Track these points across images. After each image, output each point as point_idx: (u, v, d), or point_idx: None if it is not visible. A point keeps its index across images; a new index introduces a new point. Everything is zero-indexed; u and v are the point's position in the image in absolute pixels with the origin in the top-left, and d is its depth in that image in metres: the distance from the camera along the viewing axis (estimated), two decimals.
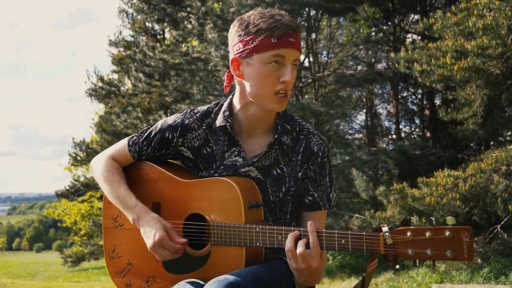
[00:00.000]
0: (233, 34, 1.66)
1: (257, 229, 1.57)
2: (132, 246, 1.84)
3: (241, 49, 1.62)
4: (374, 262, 1.48)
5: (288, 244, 1.49)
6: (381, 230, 1.42)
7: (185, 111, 1.84)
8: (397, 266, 8.05)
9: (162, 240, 1.62)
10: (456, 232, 1.36)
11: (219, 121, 1.75)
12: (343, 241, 1.46)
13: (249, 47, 1.60)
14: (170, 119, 1.82)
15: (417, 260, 1.42)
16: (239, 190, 1.61)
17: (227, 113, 1.74)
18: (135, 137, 1.86)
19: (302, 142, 1.74)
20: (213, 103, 1.85)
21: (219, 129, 1.76)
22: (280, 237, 1.54)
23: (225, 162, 1.74)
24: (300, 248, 1.46)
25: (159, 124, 1.83)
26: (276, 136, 1.71)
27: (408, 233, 1.39)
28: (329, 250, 1.49)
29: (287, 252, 1.49)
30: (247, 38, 1.60)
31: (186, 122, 1.78)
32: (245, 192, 1.63)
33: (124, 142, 1.87)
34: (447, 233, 1.36)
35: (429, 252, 1.37)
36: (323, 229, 1.50)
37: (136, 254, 1.83)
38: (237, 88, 1.74)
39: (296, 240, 1.49)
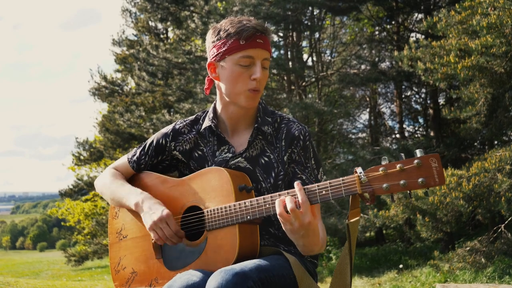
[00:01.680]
0: (209, 41, 1.82)
1: (246, 203, 1.63)
2: (136, 254, 1.87)
3: (215, 53, 1.77)
4: (356, 210, 1.54)
5: (278, 208, 1.53)
6: (356, 172, 1.49)
7: (176, 120, 2.02)
8: (401, 266, 8.04)
9: (169, 216, 1.69)
10: (424, 159, 1.41)
11: (205, 124, 1.88)
12: (323, 192, 1.52)
13: (221, 50, 1.75)
14: (164, 128, 1.98)
15: (393, 195, 1.49)
16: (228, 174, 1.68)
17: (212, 115, 1.88)
18: (133, 151, 1.99)
19: (283, 129, 1.84)
20: (200, 111, 1.99)
21: (207, 131, 1.88)
22: (267, 205, 1.60)
23: (216, 159, 1.83)
24: (290, 205, 1.51)
25: (154, 135, 1.97)
26: (256, 125, 1.82)
27: (381, 169, 1.45)
28: (313, 203, 1.54)
29: (279, 216, 1.53)
30: (219, 43, 1.76)
31: (177, 127, 1.93)
32: (235, 177, 1.70)
33: (124, 158, 2.01)
34: (416, 161, 1.41)
35: (402, 182, 1.42)
36: (304, 187, 1.55)
37: (139, 261, 1.86)
38: (217, 91, 1.87)
39: (284, 204, 1.54)
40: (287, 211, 1.52)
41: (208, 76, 1.88)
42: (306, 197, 1.53)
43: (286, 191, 1.59)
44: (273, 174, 1.79)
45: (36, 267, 23.90)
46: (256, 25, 1.73)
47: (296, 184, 1.55)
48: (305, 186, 1.56)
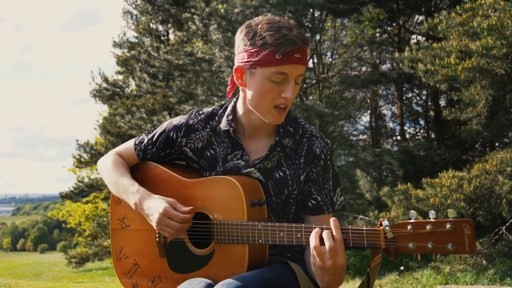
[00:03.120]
0: (239, 40, 1.64)
1: (259, 226, 1.56)
2: (138, 247, 1.85)
3: (246, 59, 1.61)
4: (378, 257, 1.47)
5: (313, 241, 1.44)
6: (381, 224, 1.41)
7: (190, 112, 1.86)
8: (402, 268, 8.03)
9: (166, 210, 1.61)
10: (457, 224, 1.34)
11: (223, 125, 1.75)
12: (344, 237, 1.44)
13: (254, 59, 1.58)
14: (176, 120, 1.84)
15: (419, 254, 1.41)
16: (241, 188, 1.61)
17: (231, 117, 1.75)
18: (141, 137, 1.88)
19: (304, 144, 1.72)
20: (218, 104, 1.86)
21: (223, 133, 1.76)
22: (282, 234, 1.53)
23: (227, 164, 1.74)
24: (328, 242, 1.42)
25: (164, 124, 1.85)
26: (277, 138, 1.71)
27: (409, 227, 1.37)
28: None
29: (313, 249, 1.44)
30: (252, 50, 1.58)
31: (191, 122, 1.80)
32: (247, 190, 1.62)
33: (131, 142, 1.91)
34: (448, 225, 1.34)
35: (430, 246, 1.36)
36: (324, 226, 1.48)
37: (142, 254, 1.84)
38: (241, 94, 1.75)
39: (320, 236, 1.45)
40: (320, 247, 1.43)
41: (232, 78, 1.74)
42: (342, 237, 1.43)
43: (302, 225, 1.50)
44: (286, 192, 1.70)
45: (36, 268, 23.89)
46: (297, 37, 1.54)
47: (333, 221, 1.45)
48: (324, 226, 1.46)
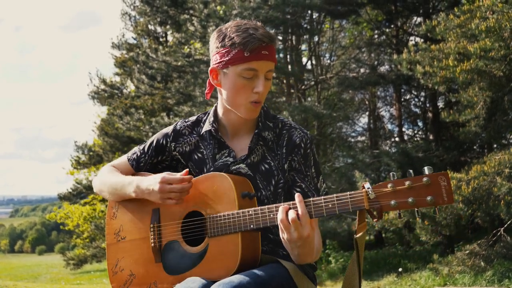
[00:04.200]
0: (212, 44, 1.77)
1: (250, 212, 1.62)
2: (134, 257, 1.86)
3: (218, 61, 1.73)
4: (363, 224, 1.53)
5: (280, 215, 1.52)
6: (363, 187, 1.48)
7: (177, 121, 1.99)
8: (400, 269, 8.03)
9: (164, 177, 1.69)
10: (433, 177, 1.41)
11: (205, 127, 1.86)
12: (330, 205, 1.51)
13: (225, 59, 1.70)
14: (165, 129, 1.95)
15: (401, 213, 1.49)
16: (231, 180, 1.66)
17: (212, 118, 1.85)
18: (134, 150, 1.97)
19: (285, 136, 1.81)
20: (201, 113, 1.96)
21: (207, 134, 1.85)
22: (272, 215, 1.59)
23: (216, 163, 1.81)
24: (291, 215, 1.50)
25: (154, 135, 1.95)
26: (257, 130, 1.79)
27: (389, 185, 1.45)
28: (318, 217, 1.54)
29: (280, 223, 1.52)
30: (223, 51, 1.70)
31: (178, 127, 1.90)
32: (238, 183, 1.68)
33: (124, 157, 1.99)
34: (425, 179, 1.41)
35: (410, 200, 1.42)
36: (310, 199, 1.55)
37: (138, 263, 1.85)
38: (219, 95, 1.84)
39: (287, 211, 1.53)
40: (288, 220, 1.51)
41: (209, 80, 1.85)
42: (306, 209, 1.52)
43: (290, 202, 1.57)
44: (273, 182, 1.77)
45: (34, 270, 23.86)
46: (263, 36, 1.67)
47: (297, 196, 1.54)
48: (311, 199, 1.54)
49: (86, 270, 19.93)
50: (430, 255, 7.94)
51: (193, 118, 1.94)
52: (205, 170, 1.82)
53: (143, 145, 1.95)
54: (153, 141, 1.92)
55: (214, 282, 1.55)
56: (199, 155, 1.86)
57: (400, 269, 8.03)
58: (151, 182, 1.72)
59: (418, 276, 7.21)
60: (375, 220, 1.48)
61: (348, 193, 1.50)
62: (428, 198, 1.40)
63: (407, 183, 1.42)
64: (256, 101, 1.73)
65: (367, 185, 1.47)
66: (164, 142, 1.89)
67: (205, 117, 1.91)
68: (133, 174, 1.93)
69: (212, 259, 1.66)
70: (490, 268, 5.98)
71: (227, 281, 1.49)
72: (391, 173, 1.48)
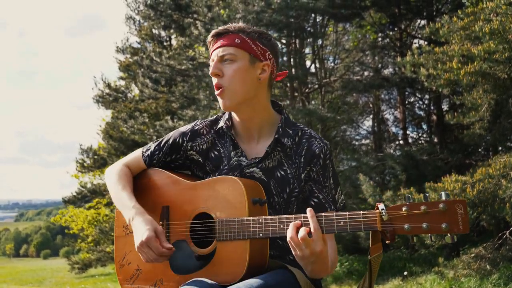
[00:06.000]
0: None
1: (260, 220, 1.60)
2: None
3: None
4: (378, 245, 1.49)
5: (290, 232, 1.50)
6: (377, 208, 1.44)
7: (196, 120, 1.98)
8: (405, 273, 8.00)
9: (149, 240, 1.64)
10: (450, 204, 1.37)
11: (220, 124, 1.86)
12: (341, 223, 1.48)
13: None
14: (182, 127, 1.95)
15: (414, 237, 1.45)
16: (243, 185, 1.65)
17: (227, 116, 1.87)
18: (148, 145, 1.97)
19: (304, 145, 1.78)
20: (221, 113, 1.96)
21: (224, 133, 1.86)
22: (282, 226, 1.57)
23: (231, 162, 1.80)
24: (301, 233, 1.47)
25: (171, 132, 1.95)
26: (276, 136, 1.77)
27: (404, 208, 1.41)
28: (329, 233, 1.51)
29: (290, 241, 1.50)
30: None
31: (196, 128, 1.90)
32: (249, 189, 1.67)
33: (138, 151, 1.99)
34: (441, 205, 1.37)
35: (424, 226, 1.38)
36: (322, 214, 1.52)
37: None
38: None
39: (297, 228, 1.51)
40: (298, 238, 1.48)
41: None
42: (318, 225, 1.49)
43: (302, 215, 1.54)
44: (288, 190, 1.75)
45: (39, 274, 23.87)
46: (215, 31, 1.79)
47: (309, 210, 1.52)
48: (323, 213, 1.51)
49: (91, 274, 19.93)
50: (435, 258, 7.91)
51: (213, 117, 1.96)
52: (220, 168, 1.81)
53: (159, 141, 1.94)
54: (169, 138, 1.91)
55: (220, 285, 1.55)
56: (216, 153, 1.85)
57: (405, 273, 8.00)
58: (141, 230, 1.67)
59: (424, 280, 7.17)
60: (387, 241, 1.44)
61: (361, 212, 1.47)
62: (443, 225, 1.36)
63: (422, 207, 1.39)
64: (215, 85, 1.77)
65: (381, 206, 1.43)
66: (180, 140, 1.89)
67: (223, 115, 1.92)
68: (144, 170, 1.94)
69: (219, 263, 1.65)
70: (496, 271, 5.95)
71: (234, 287, 1.49)
72: (406, 195, 1.44)
